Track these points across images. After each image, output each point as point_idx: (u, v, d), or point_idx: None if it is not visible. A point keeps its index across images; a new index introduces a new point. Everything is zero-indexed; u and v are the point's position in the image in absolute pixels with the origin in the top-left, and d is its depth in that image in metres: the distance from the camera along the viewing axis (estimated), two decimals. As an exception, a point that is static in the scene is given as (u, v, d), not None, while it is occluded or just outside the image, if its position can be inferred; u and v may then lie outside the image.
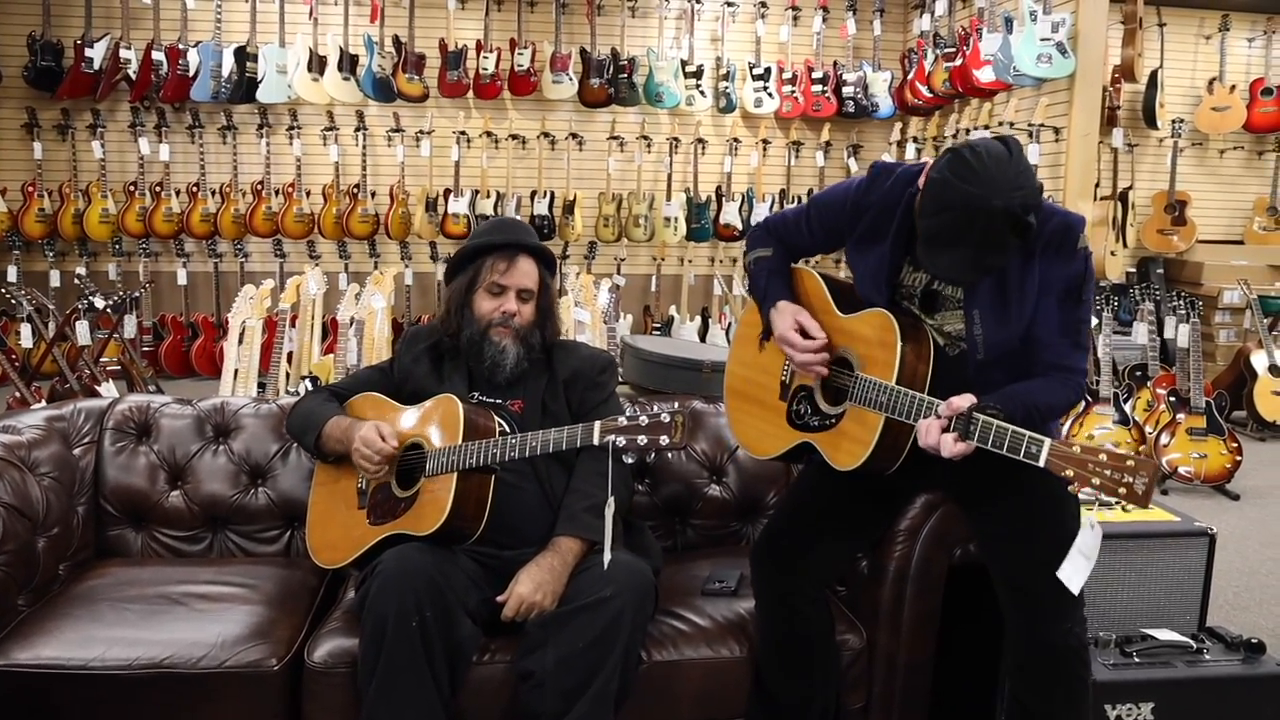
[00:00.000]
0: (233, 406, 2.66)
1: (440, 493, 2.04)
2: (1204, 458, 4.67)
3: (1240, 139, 7.40)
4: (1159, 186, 7.12)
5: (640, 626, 2.02)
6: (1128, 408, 4.77)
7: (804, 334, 2.09)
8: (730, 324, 7.07)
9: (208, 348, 6.53)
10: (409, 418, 2.20)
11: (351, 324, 4.11)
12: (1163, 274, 6.94)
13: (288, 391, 4.75)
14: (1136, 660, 2.15)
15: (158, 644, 2.01)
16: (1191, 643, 2.20)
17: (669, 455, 2.59)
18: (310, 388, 4.81)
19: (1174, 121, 6.97)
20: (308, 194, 6.61)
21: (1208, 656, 2.17)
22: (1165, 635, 2.23)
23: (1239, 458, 4.69)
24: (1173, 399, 4.82)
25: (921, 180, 1.90)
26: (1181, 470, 4.68)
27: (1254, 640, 2.20)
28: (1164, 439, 4.73)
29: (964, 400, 1.80)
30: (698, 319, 7.17)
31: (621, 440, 1.83)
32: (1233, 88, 7.16)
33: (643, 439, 1.81)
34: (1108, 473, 1.64)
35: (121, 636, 2.03)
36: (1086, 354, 2.02)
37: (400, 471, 2.14)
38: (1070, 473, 1.68)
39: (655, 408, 1.82)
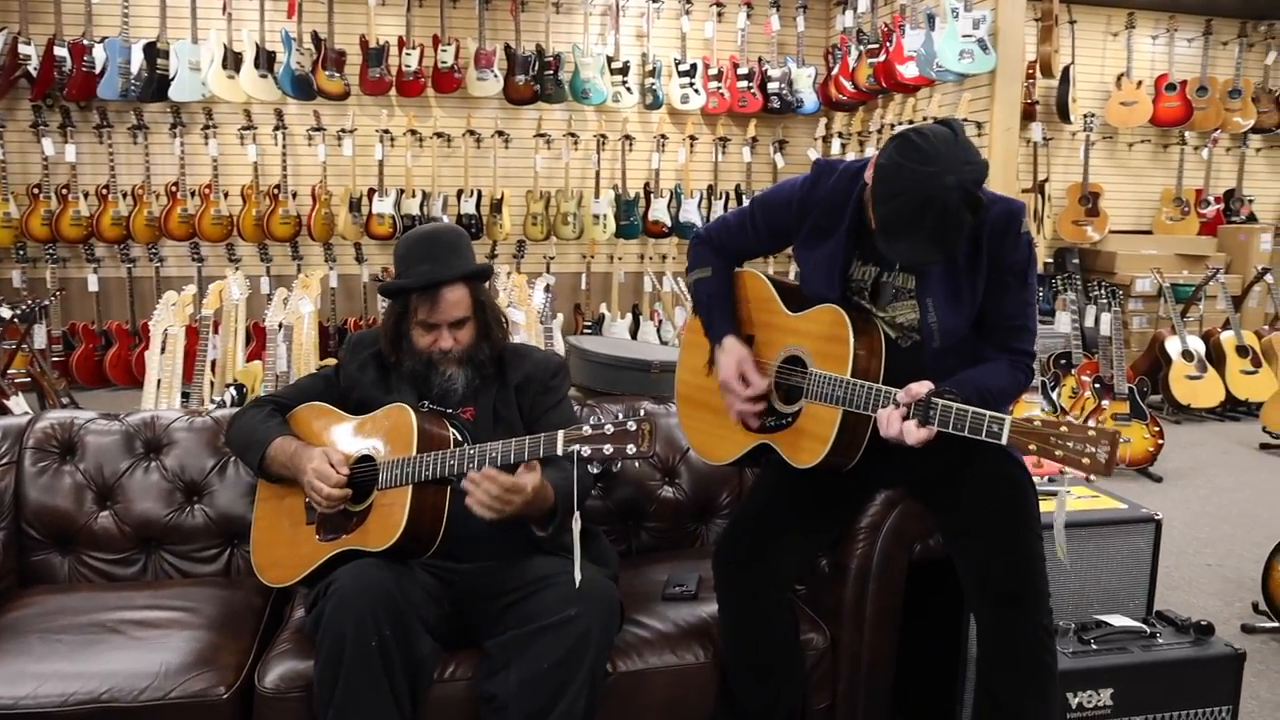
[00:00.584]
0: (164, 420, 2.53)
1: (395, 506, 1.95)
2: (1128, 442, 4.81)
3: (1147, 132, 7.65)
4: (1073, 179, 7.33)
5: (606, 645, 1.97)
6: (1054, 395, 4.88)
7: (745, 380, 2.09)
8: (661, 321, 7.05)
9: (123, 356, 6.25)
10: (358, 428, 2.11)
11: (280, 329, 3.96)
12: (1078, 264, 7.14)
13: (212, 401, 4.58)
14: (1095, 647, 2.18)
15: (95, 677, 1.89)
16: (1145, 628, 2.24)
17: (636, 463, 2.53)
18: (235, 396, 4.67)
19: (1085, 116, 7.18)
20: (225, 195, 6.37)
21: (1161, 640, 2.21)
22: (1120, 621, 2.27)
23: (1161, 441, 4.84)
24: (1097, 385, 4.95)
25: (869, 171, 1.89)
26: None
27: (1203, 623, 2.25)
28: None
29: (921, 386, 1.81)
30: (628, 316, 7.14)
31: (586, 450, 1.76)
32: (1139, 83, 7.41)
33: (608, 448, 1.75)
34: (1070, 444, 1.65)
35: (54, 670, 1.90)
36: (1034, 336, 2.05)
37: (350, 485, 2.04)
38: (1033, 447, 1.69)
39: (620, 415, 1.77)
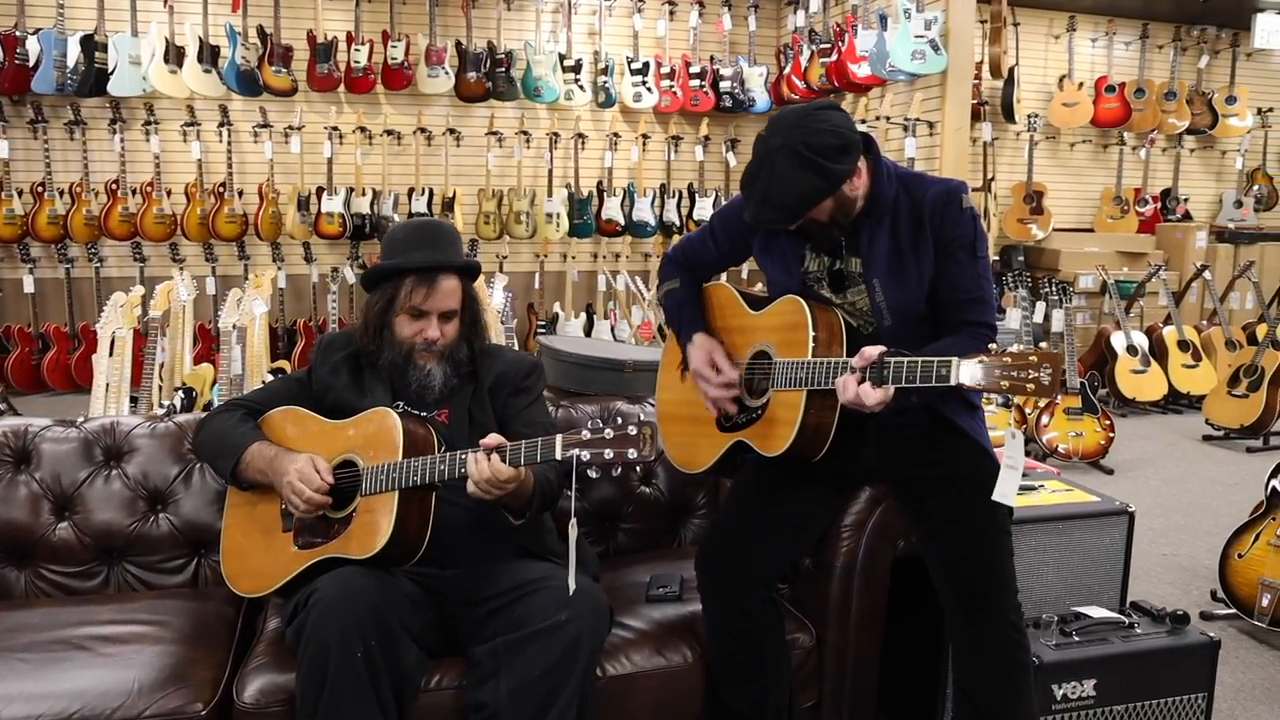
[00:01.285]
0: (124, 426, 2.43)
1: (380, 513, 1.89)
2: (1080, 436, 4.90)
3: (1088, 133, 7.82)
4: (1017, 178, 7.46)
5: (597, 651, 1.93)
6: (1008, 390, 4.94)
7: (716, 369, 2.15)
8: (616, 321, 7.01)
9: (61, 360, 6.03)
10: (338, 432, 2.04)
11: (234, 331, 3.85)
12: (1024, 261, 7.27)
13: (161, 405, 4.44)
14: (1077, 639, 2.20)
15: (64, 696, 1.80)
16: (1123, 619, 2.27)
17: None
18: (184, 400, 4.52)
19: (1029, 116, 7.30)
20: (168, 194, 6.17)
21: (1139, 630, 2.24)
22: (1098, 613, 2.29)
23: (1112, 434, 4.94)
24: (1049, 381, 5.03)
25: None
26: (1060, 448, 4.90)
27: (1179, 612, 2.28)
28: (1043, 419, 4.93)
29: (874, 350, 1.85)
30: (582, 316, 7.09)
31: (586, 454, 1.72)
32: (1080, 85, 7.56)
33: (609, 453, 1.71)
34: (1015, 374, 1.70)
35: (20, 691, 1.80)
36: (992, 309, 2.10)
37: (331, 491, 1.98)
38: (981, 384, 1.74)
39: (619, 418, 1.74)
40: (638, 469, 2.50)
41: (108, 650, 1.96)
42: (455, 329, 2.12)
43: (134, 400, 4.21)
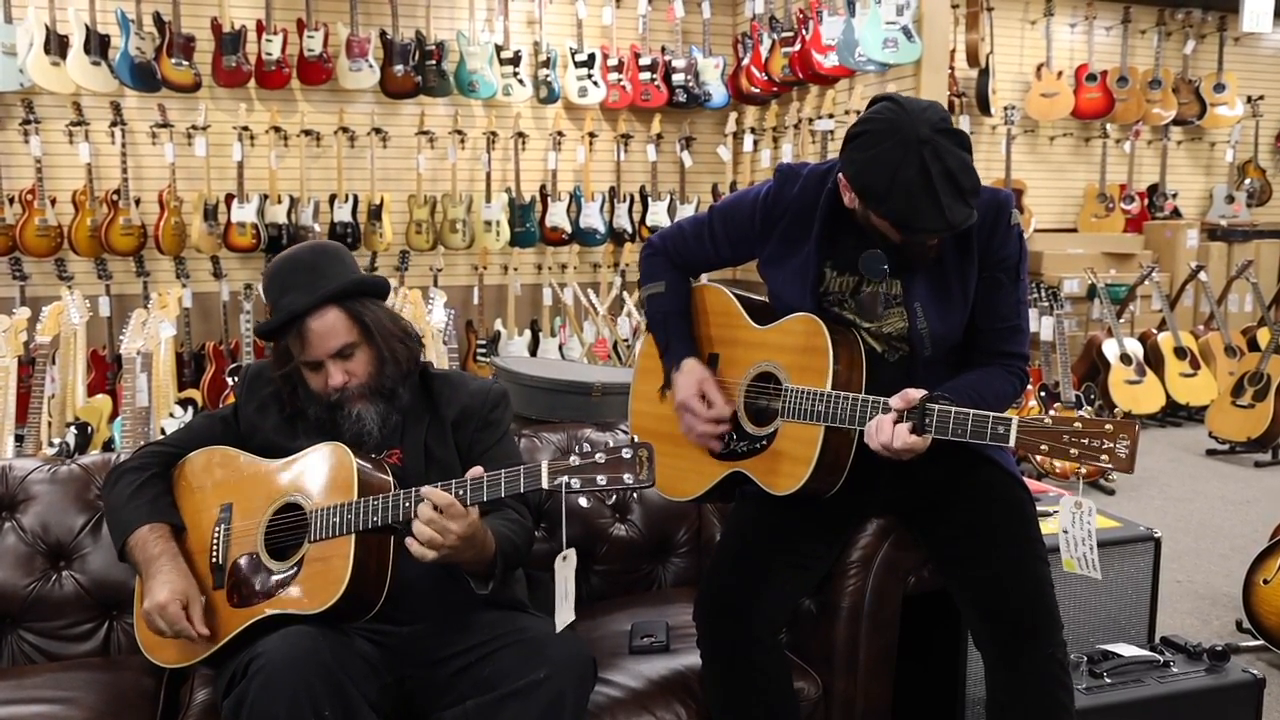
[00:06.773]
0: (19, 471, 2.31)
1: (335, 560, 1.81)
2: (1079, 453, 4.94)
3: (1068, 125, 7.97)
4: (994, 174, 7.57)
5: (582, 711, 1.87)
6: (999, 406, 4.98)
7: (706, 402, 2.09)
8: (565, 340, 6.95)
9: (-70, 395, 5.79)
10: (280, 472, 1.95)
11: (139, 357, 3.71)
12: (1005, 265, 7.35)
13: (51, 444, 4.27)
14: (1108, 681, 2.19)
15: (-43, 793, 1.69)
16: (1157, 657, 2.26)
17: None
18: (78, 437, 4.36)
19: (1006, 108, 7.44)
20: (53, 202, 5.97)
21: (1175, 670, 2.24)
22: (1128, 651, 2.29)
23: (1112, 451, 4.99)
24: (1043, 394, 5.08)
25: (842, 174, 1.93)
26: (1057, 467, 4.94)
27: (1218, 648, 2.28)
28: (1038, 436, 4.97)
29: (916, 392, 1.82)
30: (526, 333, 7.02)
31: (576, 481, 1.67)
32: (1059, 74, 7.71)
33: (602, 478, 1.66)
34: (1085, 441, 1.68)
35: (-97, 788, 1.69)
36: (1027, 337, 2.09)
37: (270, 537, 1.89)
38: (1045, 447, 1.72)
39: (611, 441, 1.69)
40: (634, 494, 2.44)
41: (7, 735, 1.85)
42: (364, 362, 2.00)
43: (19, 439, 4.05)
